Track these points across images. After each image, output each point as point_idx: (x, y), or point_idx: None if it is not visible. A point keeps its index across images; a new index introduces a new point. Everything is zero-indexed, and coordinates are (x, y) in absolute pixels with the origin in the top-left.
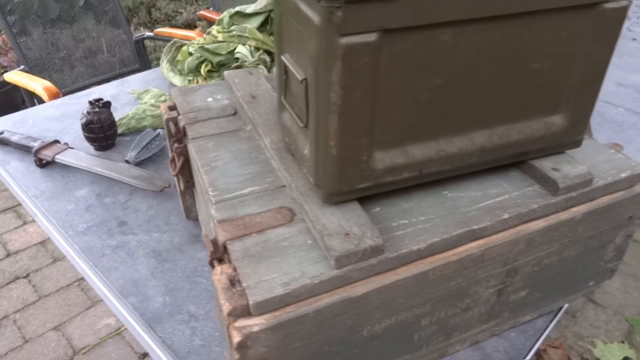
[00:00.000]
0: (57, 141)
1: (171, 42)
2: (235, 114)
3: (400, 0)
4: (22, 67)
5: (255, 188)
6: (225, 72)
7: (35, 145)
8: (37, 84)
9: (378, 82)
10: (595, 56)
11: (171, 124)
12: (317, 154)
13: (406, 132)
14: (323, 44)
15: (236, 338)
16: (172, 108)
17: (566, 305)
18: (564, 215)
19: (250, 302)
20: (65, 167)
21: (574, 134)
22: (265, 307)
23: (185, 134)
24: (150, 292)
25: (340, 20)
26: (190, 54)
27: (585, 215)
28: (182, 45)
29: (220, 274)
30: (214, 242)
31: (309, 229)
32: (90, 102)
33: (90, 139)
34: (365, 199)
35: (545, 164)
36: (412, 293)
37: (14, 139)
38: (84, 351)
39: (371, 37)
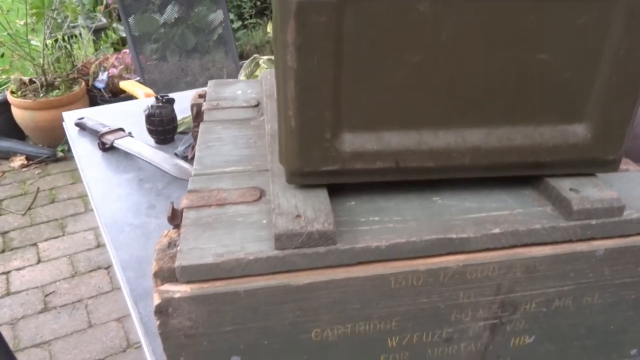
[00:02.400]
0: (121, 129)
1: (252, 57)
2: (257, 105)
3: None
4: (137, 78)
5: (239, 168)
6: (262, 72)
7: (103, 130)
8: (140, 91)
9: (341, 50)
10: (628, 56)
11: (195, 109)
12: (280, 127)
13: (380, 114)
14: (278, 1)
15: (156, 300)
16: (202, 96)
17: None
18: (579, 247)
19: (176, 265)
20: (123, 153)
21: (603, 151)
22: (192, 274)
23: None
24: (149, 270)
25: None
26: (266, 68)
27: (610, 253)
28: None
29: (164, 237)
30: (173, 209)
31: (270, 210)
32: (156, 98)
33: (150, 131)
34: (342, 191)
35: (563, 184)
36: (371, 300)
37: (89, 124)
38: (136, 345)
39: None
